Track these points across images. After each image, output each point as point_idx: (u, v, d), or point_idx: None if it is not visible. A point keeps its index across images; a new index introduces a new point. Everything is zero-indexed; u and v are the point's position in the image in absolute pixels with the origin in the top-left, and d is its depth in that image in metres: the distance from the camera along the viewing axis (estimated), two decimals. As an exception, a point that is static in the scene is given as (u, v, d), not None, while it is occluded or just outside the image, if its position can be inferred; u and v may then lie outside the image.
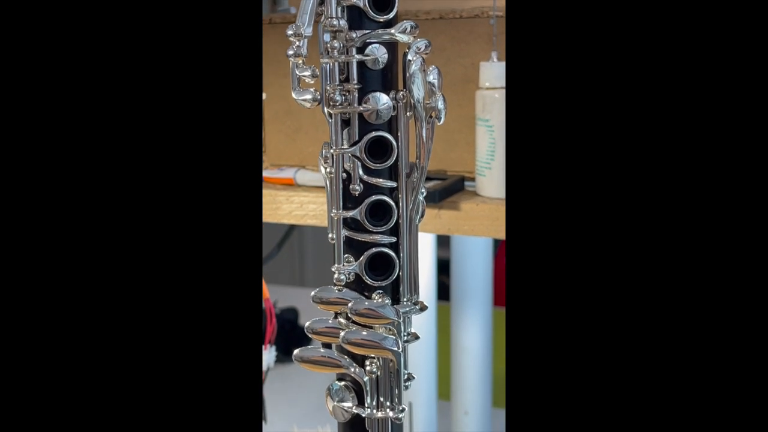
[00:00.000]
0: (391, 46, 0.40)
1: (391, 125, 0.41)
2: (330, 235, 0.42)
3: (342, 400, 0.42)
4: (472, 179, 0.68)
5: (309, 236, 2.06)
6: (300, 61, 0.40)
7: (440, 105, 0.41)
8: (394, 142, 0.41)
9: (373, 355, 0.41)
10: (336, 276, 0.41)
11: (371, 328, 0.41)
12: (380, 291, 0.42)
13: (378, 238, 0.41)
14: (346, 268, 0.41)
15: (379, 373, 0.42)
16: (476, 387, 0.89)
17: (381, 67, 0.40)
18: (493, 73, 0.63)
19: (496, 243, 0.93)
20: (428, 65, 0.41)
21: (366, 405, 0.42)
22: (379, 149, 0.41)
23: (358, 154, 0.40)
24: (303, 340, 1.10)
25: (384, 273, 0.42)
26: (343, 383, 0.42)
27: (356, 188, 0.41)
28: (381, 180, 0.41)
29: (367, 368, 0.41)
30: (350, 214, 0.41)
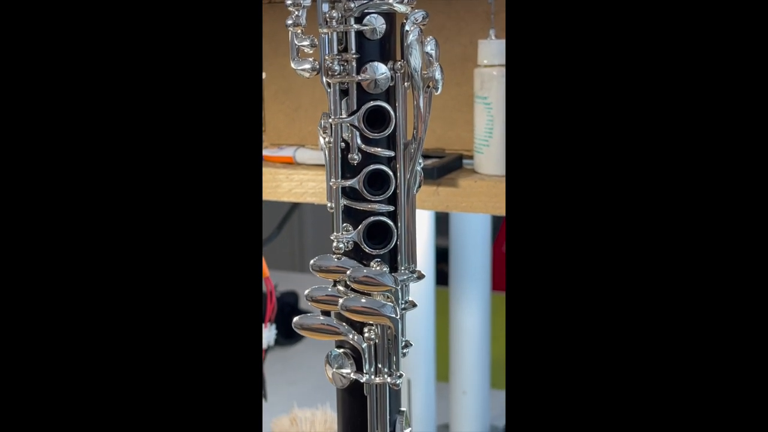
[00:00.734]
0: (389, 17, 0.41)
1: (389, 95, 0.41)
2: (329, 204, 0.42)
3: (341, 367, 0.43)
4: (470, 157, 0.68)
5: (309, 220, 2.07)
6: (299, 31, 0.40)
7: (437, 75, 0.41)
8: (392, 112, 0.41)
9: (371, 322, 0.42)
10: (335, 244, 0.42)
11: (370, 295, 0.41)
12: (378, 259, 0.42)
13: (376, 207, 0.42)
14: (344, 236, 0.42)
15: (377, 339, 0.42)
16: (474, 368, 0.90)
17: (379, 37, 0.41)
18: (491, 50, 0.63)
19: (494, 229, 0.94)
20: (426, 36, 0.41)
21: (364, 371, 0.42)
22: (377, 119, 0.41)
23: (356, 124, 0.41)
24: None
25: (382, 242, 0.42)
26: (341, 350, 0.43)
27: (354, 157, 0.41)
28: (379, 149, 0.41)
29: (366, 335, 0.42)
30: (349, 183, 0.41)
